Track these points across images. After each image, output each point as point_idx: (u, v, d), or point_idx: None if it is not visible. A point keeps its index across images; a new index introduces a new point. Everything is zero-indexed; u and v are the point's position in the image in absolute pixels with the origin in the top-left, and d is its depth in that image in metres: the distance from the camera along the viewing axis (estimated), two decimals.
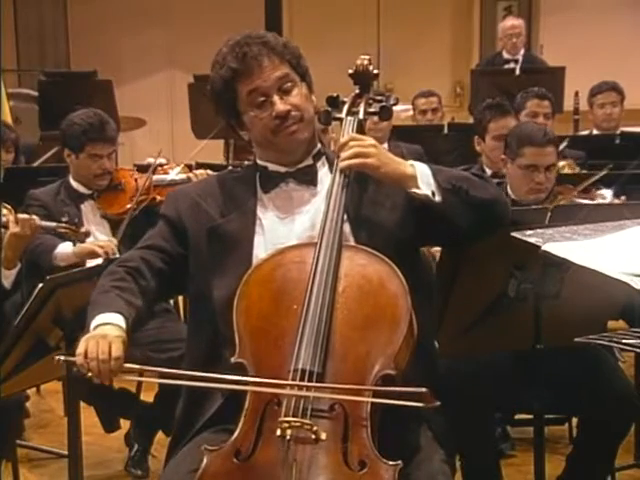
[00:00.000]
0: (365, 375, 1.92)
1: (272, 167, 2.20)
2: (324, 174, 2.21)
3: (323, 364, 1.92)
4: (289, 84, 2.13)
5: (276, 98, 2.11)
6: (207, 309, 2.13)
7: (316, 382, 1.89)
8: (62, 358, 1.97)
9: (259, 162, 2.24)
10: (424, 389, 1.84)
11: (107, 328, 1.98)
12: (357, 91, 2.25)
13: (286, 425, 1.84)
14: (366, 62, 2.26)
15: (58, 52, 9.46)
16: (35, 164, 5.18)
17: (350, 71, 2.24)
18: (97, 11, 9.33)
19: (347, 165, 2.07)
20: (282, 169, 2.20)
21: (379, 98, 2.27)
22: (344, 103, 2.24)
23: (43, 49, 9.44)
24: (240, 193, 2.21)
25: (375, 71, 2.27)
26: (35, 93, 6.96)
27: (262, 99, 2.12)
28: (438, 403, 1.86)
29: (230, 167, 4.00)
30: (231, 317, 2.00)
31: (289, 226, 2.16)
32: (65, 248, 3.45)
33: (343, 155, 2.07)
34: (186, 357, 2.24)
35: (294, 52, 2.18)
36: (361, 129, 2.22)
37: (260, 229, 2.16)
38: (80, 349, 1.93)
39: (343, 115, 2.22)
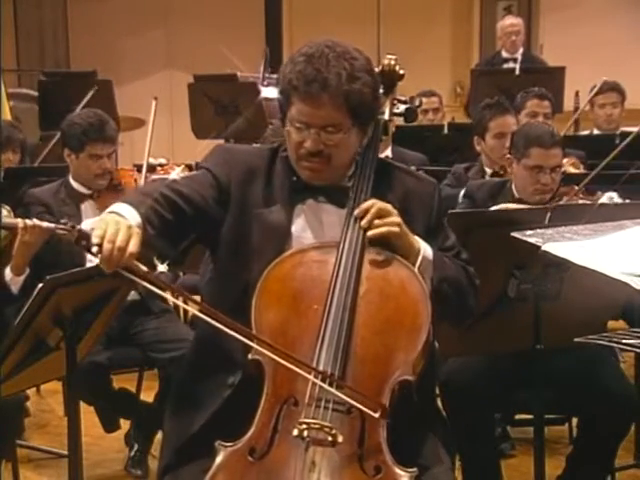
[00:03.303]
0: (385, 379, 1.91)
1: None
2: None
3: (343, 367, 1.90)
4: (333, 128, 2.01)
5: (313, 134, 2.01)
6: (236, 281, 2.07)
7: (336, 384, 1.87)
8: (78, 227, 1.88)
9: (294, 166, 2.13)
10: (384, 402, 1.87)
11: (125, 221, 1.86)
12: (381, 91, 2.16)
13: (305, 426, 1.83)
14: (393, 62, 2.21)
15: (58, 52, 9.45)
16: (36, 164, 5.16)
17: (376, 70, 2.13)
18: (97, 11, 9.33)
19: (375, 234, 2.01)
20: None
21: (404, 99, 2.24)
22: None
23: (43, 49, 9.44)
24: (282, 188, 2.12)
25: (401, 71, 2.22)
26: (35, 93, 6.94)
27: (302, 125, 2.02)
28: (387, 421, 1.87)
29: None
30: (251, 314, 1.96)
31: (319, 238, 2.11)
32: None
33: (371, 229, 2.01)
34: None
35: (363, 99, 2.01)
36: (386, 130, 2.21)
37: (296, 231, 2.10)
38: (99, 229, 1.82)
39: None
